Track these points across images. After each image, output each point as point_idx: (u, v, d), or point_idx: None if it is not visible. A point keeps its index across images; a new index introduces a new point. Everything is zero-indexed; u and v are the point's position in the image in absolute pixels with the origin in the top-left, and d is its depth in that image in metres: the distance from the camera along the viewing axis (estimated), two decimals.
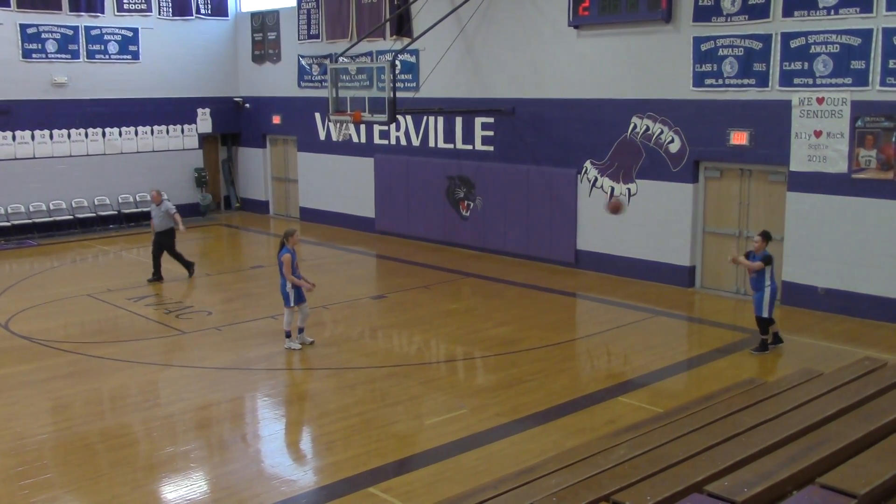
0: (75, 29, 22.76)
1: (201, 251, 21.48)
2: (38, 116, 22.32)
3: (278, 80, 24.43)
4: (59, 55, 22.59)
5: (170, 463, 8.84)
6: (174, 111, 24.64)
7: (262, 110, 25.20)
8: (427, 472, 8.48)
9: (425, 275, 17.41)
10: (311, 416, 10.18)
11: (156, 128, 24.37)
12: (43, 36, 22.30)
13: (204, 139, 25.50)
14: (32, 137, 22.32)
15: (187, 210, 24.57)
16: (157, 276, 16.75)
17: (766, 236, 12.00)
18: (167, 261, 16.88)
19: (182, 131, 24.90)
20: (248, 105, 25.62)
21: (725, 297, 15.27)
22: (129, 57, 23.70)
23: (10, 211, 21.94)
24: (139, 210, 23.83)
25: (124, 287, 16.31)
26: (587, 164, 17.08)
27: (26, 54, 22.08)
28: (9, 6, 21.63)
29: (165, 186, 24.24)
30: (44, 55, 22.37)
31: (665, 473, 5.56)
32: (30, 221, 22.16)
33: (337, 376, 11.36)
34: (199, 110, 25.18)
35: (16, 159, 22.04)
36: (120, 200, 23.72)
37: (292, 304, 12.35)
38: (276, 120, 24.74)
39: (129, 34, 23.64)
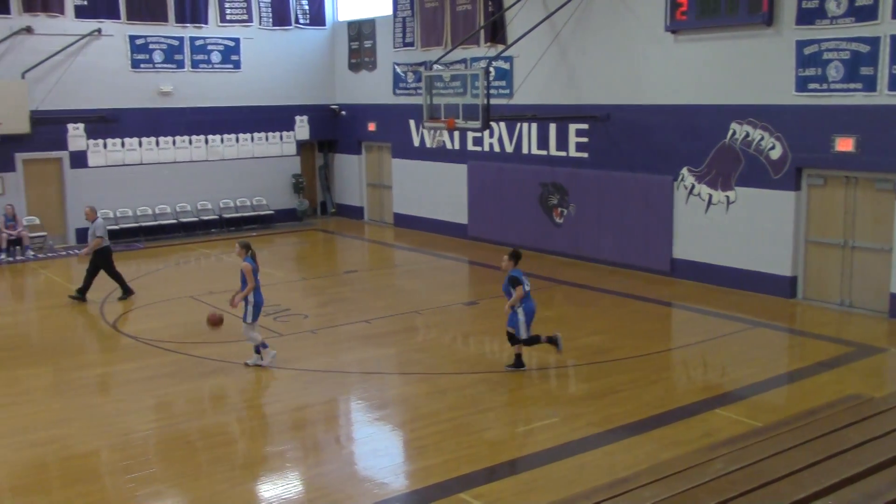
0: (181, 40, 23.59)
1: (297, 256, 21.95)
2: (145, 124, 23.21)
3: (374, 88, 24.80)
4: (165, 65, 23.45)
5: (266, 462, 9.06)
6: (273, 118, 25.28)
7: (357, 117, 25.61)
8: (518, 480, 8.46)
9: None
10: (402, 421, 10.28)
11: (255, 135, 25.04)
12: (150, 47, 23.19)
13: (301, 146, 26.07)
14: (140, 144, 23.23)
15: (285, 215, 25.21)
16: (82, 295, 16.02)
17: (513, 256, 11.55)
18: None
19: (280, 138, 25.52)
20: (344, 112, 26.07)
21: (829, 309, 14.76)
22: (230, 66, 24.43)
23: (118, 215, 22.87)
24: (239, 215, 24.54)
25: (224, 290, 16.75)
26: (684, 171, 16.77)
27: (135, 64, 23.00)
28: (119, 18, 22.57)
29: (264, 192, 24.98)
30: (151, 65, 23.25)
31: (764, 490, 5.41)
32: (137, 225, 23.05)
33: (429, 381, 11.44)
34: (297, 118, 25.76)
35: (124, 165, 22.97)
36: (221, 205, 24.44)
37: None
38: (372, 127, 25.10)
39: (231, 44, 24.36)
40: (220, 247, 22.05)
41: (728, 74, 15.84)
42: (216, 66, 24.21)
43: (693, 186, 16.63)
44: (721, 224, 16.05)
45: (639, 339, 13.16)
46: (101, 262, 16.09)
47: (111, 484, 8.61)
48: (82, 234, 22.25)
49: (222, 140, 24.52)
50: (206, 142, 24.26)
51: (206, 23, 23.82)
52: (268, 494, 8.34)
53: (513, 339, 11.60)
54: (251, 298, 11.86)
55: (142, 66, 23.10)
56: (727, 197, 16.05)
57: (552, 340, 11.78)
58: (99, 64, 22.34)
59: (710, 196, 16.34)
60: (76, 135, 22.27)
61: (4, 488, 8.52)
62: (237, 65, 24.53)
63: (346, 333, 13.74)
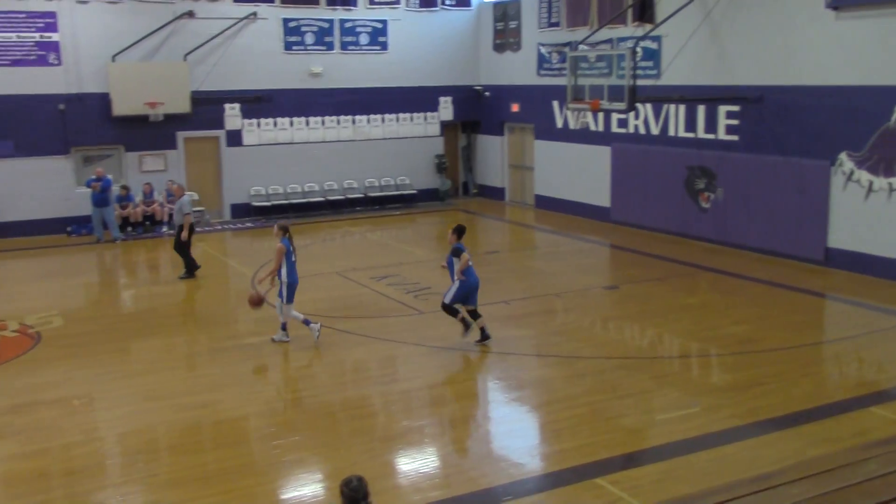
0: (331, 22, 24.21)
1: (438, 235, 22.21)
2: (296, 104, 24.01)
3: (518, 69, 24.72)
4: (315, 47, 24.14)
5: (404, 436, 9.26)
6: (418, 99, 25.62)
7: (501, 98, 25.61)
8: (656, 468, 8.32)
9: (660, 267, 17.01)
10: (539, 403, 10.28)
11: (400, 115, 25.46)
12: (302, 29, 23.91)
13: (445, 126, 26.32)
14: (291, 124, 24.06)
15: (427, 195, 25.55)
16: (190, 273, 16.74)
17: (457, 230, 12.03)
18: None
19: (425, 119, 25.86)
20: (488, 93, 26.12)
21: None
22: (378, 48, 24.90)
23: (269, 192, 23.80)
24: (383, 194, 25.06)
25: (368, 266, 17.21)
26: (842, 155, 15.91)
27: (287, 46, 23.78)
28: (273, 2, 23.38)
29: (407, 171, 25.38)
30: (302, 47, 23.99)
31: None
32: (286, 202, 23.93)
33: (566, 364, 11.38)
34: (441, 98, 26.01)
35: (276, 144, 23.86)
36: (366, 184, 25.03)
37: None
38: (515, 108, 25.06)
39: (379, 26, 24.81)
40: (364, 225, 22.60)
41: (894, 53, 14.89)
42: (364, 47, 24.73)
43: (852, 172, 15.76)
44: (882, 212, 15.15)
45: (787, 331, 12.64)
46: (178, 235, 16.61)
47: (258, 449, 9.03)
48: (237, 210, 23.33)
49: (368, 120, 25.07)
50: (353, 122, 24.87)
51: (355, 5, 24.34)
52: (405, 468, 8.53)
53: (473, 314, 12.02)
54: (285, 278, 11.99)
55: (294, 48, 23.87)
56: (889, 184, 15.14)
57: (465, 323, 11.97)
58: (254, 46, 23.25)
59: (871, 182, 15.45)
60: (232, 114, 23.29)
61: (163, 446, 9.09)
62: (384, 46, 24.97)
63: (485, 313, 13.77)
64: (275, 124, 23.84)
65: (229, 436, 9.34)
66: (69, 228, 21.31)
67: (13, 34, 20.63)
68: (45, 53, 21.01)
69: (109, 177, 20.74)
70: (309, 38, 24.02)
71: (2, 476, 8.45)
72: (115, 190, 21.08)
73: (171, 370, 11.46)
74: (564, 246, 19.63)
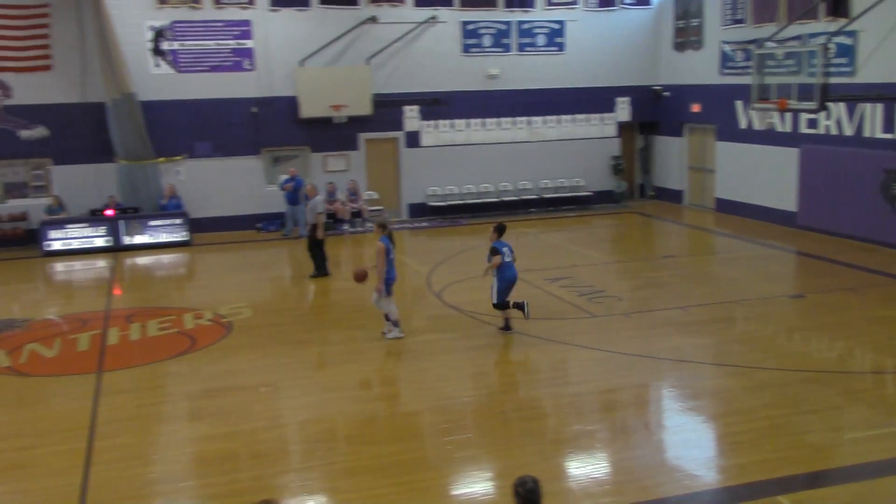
0: (508, 24, 24.35)
1: (613, 238, 21.91)
2: (472, 106, 24.31)
3: (699, 68, 23.96)
4: (493, 49, 24.35)
5: (575, 440, 9.18)
6: (594, 100, 25.33)
7: (680, 98, 24.90)
8: (844, 490, 7.85)
9: (852, 276, 16.02)
10: (716, 413, 9.91)
11: (577, 116, 25.26)
12: (480, 31, 24.18)
13: (622, 127, 25.88)
14: (467, 125, 24.39)
15: (602, 197, 25.22)
16: (320, 272, 17.18)
17: (497, 229, 12.59)
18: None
19: (601, 120, 25.53)
20: (667, 93, 25.47)
21: None
22: (554, 48, 24.82)
23: (445, 192, 24.22)
24: (558, 195, 24.96)
25: (542, 268, 17.18)
26: None
27: (465, 49, 24.12)
28: (452, 5, 23.77)
29: (582, 173, 25.15)
30: (480, 49, 24.26)
31: None
32: (462, 202, 24.28)
33: (746, 375, 10.92)
34: (619, 99, 25.60)
35: (453, 145, 24.27)
36: (541, 185, 25.00)
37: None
38: (696, 108, 24.29)
39: (557, 27, 24.72)
40: (538, 226, 22.59)
41: None
42: (541, 48, 24.71)
43: None
44: None
45: None
46: (312, 235, 17.10)
47: (431, 444, 9.21)
48: (414, 210, 23.89)
49: (544, 121, 25.03)
50: (529, 123, 24.91)
51: (532, 7, 24.37)
52: (576, 472, 8.46)
53: (499, 308, 12.63)
54: (384, 274, 12.32)
55: (471, 50, 24.18)
56: None
57: (518, 306, 12.53)
58: (433, 49, 23.73)
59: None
60: (411, 116, 23.88)
61: (341, 436, 9.44)
62: (561, 47, 24.85)
63: (661, 319, 13.49)
64: (451, 126, 24.24)
65: (404, 429, 9.59)
66: (259, 225, 22.54)
67: (212, 42, 22.04)
68: (241, 59, 22.31)
69: (300, 176, 21.78)
70: (486, 41, 24.26)
71: (195, 455, 9.05)
72: (306, 189, 22.08)
73: (349, 363, 11.88)
74: (746, 251, 18.85)
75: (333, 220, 22.55)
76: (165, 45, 21.77)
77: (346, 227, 22.57)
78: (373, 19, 23.04)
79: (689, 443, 9.11)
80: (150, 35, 21.65)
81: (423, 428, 9.67)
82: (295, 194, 21.21)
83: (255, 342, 12.87)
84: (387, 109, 23.44)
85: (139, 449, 9.22)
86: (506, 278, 12.48)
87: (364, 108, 22.94)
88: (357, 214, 22.91)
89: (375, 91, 23.09)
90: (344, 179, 23.12)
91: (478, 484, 8.34)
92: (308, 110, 22.51)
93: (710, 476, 8.32)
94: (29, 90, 21.07)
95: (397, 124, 23.81)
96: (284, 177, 21.60)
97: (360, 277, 13.01)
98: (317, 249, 17.18)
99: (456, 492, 8.25)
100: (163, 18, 21.65)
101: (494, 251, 12.49)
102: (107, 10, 20.61)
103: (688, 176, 25.34)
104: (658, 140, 26.34)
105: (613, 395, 10.48)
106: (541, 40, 24.69)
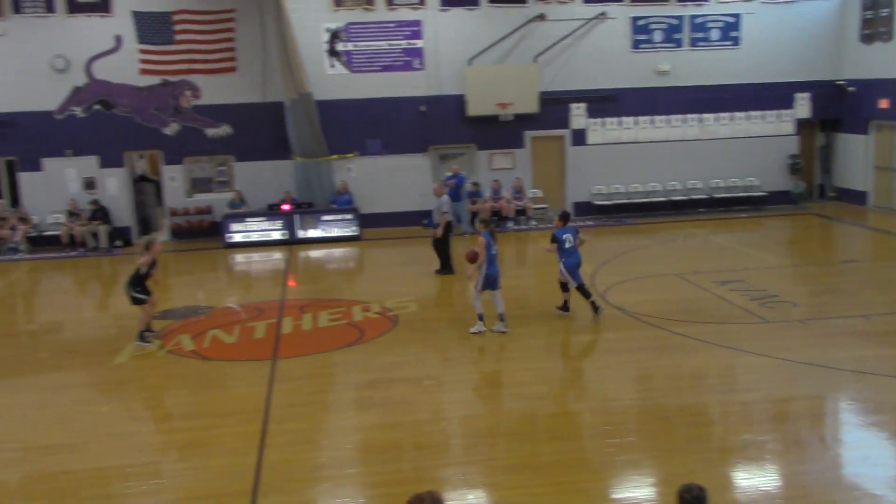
0: (680, 18, 23.69)
1: (789, 240, 20.93)
2: (641, 103, 23.82)
3: (889, 61, 22.44)
4: (663, 44, 23.76)
5: (744, 450, 8.83)
6: (771, 96, 24.25)
7: (867, 94, 23.42)
8: None
9: None
10: None
11: (751, 113, 24.27)
12: (651, 27, 23.64)
13: (801, 124, 24.64)
14: (635, 123, 23.92)
15: (778, 197, 24.12)
16: (445, 270, 17.32)
17: (562, 216, 13.56)
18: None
19: (777, 116, 24.41)
20: (852, 88, 24.02)
21: None
22: (729, 43, 23.93)
23: (611, 191, 23.87)
24: (729, 195, 24.09)
25: (711, 270, 16.63)
26: None
27: (635, 45, 23.66)
28: (622, 1, 23.36)
29: (757, 172, 24.15)
30: (650, 45, 23.73)
31: None
32: (627, 201, 23.85)
33: None
34: (798, 95, 24.38)
35: (620, 143, 23.87)
36: (711, 185, 24.20)
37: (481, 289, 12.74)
38: (884, 104, 22.77)
39: (732, 20, 23.82)
40: (708, 227, 21.88)
41: None
42: (714, 43, 23.89)
43: None
44: None
45: None
46: (444, 235, 17.23)
47: (591, 445, 9.11)
48: (579, 208, 23.68)
49: (716, 118, 24.20)
50: (700, 120, 24.15)
51: (706, 0, 23.60)
52: (744, 483, 8.14)
53: (562, 286, 13.59)
54: (483, 269, 12.58)
55: (641, 46, 23.69)
56: None
57: (589, 299, 13.42)
58: (602, 46, 23.42)
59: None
60: (578, 114, 23.67)
61: (501, 432, 9.50)
62: (736, 41, 23.93)
63: (840, 327, 12.76)
64: (619, 123, 23.85)
65: (564, 429, 9.54)
66: (425, 221, 22.97)
67: (384, 42, 22.67)
68: (411, 59, 22.82)
69: (463, 174, 22.06)
70: (657, 36, 23.70)
71: (361, 443, 9.35)
72: (467, 186, 22.37)
73: (511, 360, 11.94)
74: None
75: (498, 217, 22.69)
76: (340, 47, 22.58)
77: (510, 224, 22.67)
78: (541, 17, 23.00)
79: (870, 460, 8.57)
80: (326, 37, 22.52)
81: (584, 428, 9.58)
82: (456, 191, 21.49)
83: (420, 336, 13.14)
84: (553, 107, 23.35)
85: (309, 434, 9.63)
86: (570, 263, 13.36)
87: (531, 106, 22.94)
88: (522, 212, 22.96)
89: (542, 89, 23.04)
90: (509, 177, 23.22)
91: (639, 489, 8.17)
92: (475, 108, 22.74)
93: (892, 497, 7.80)
94: (215, 91, 22.40)
95: (563, 122, 23.67)
96: (448, 174, 21.95)
97: (472, 258, 12.99)
98: (442, 247, 17.41)
99: (617, 495, 8.13)
100: (338, 20, 22.47)
101: (554, 239, 13.39)
102: (287, 13, 21.59)
103: (873, 176, 23.80)
104: (840, 138, 24.88)
105: (786, 406, 10.01)
106: (714, 34, 23.86)
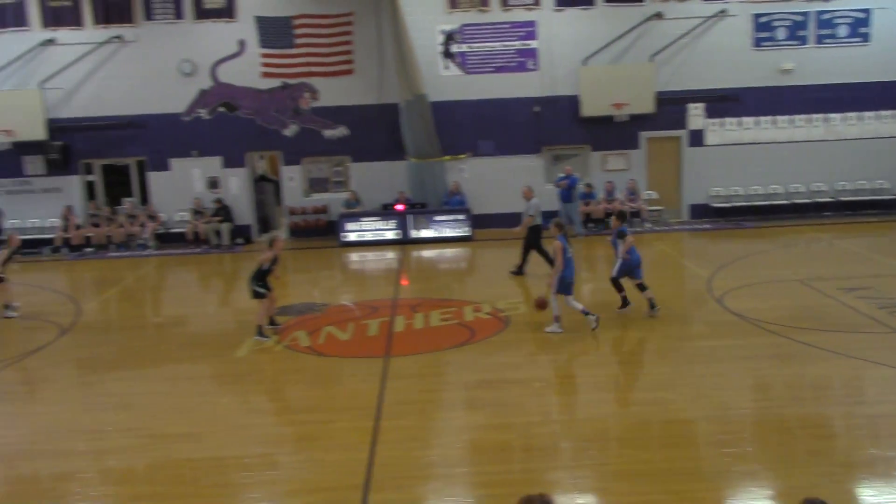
0: (806, 14, 22.85)
1: None
2: (763, 103, 23.09)
3: None
4: (787, 42, 22.96)
5: (871, 465, 8.43)
6: None
7: None
8: None
9: None
10: None
11: (882, 113, 23.17)
12: (774, 24, 22.88)
13: None
14: (756, 123, 23.19)
15: None
16: (519, 271, 17.43)
17: (620, 216, 14.16)
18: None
19: None
20: None
21: None
22: (858, 40, 22.94)
23: (729, 193, 23.22)
24: (856, 198, 23.10)
25: (836, 276, 15.98)
26: None
27: (756, 43, 22.95)
28: None
29: (888, 174, 23.08)
30: (773, 43, 22.95)
31: None
32: (747, 204, 23.15)
33: None
34: None
35: (740, 144, 23.19)
36: (837, 187, 23.24)
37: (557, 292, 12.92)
38: None
39: (861, 16, 22.83)
40: (833, 231, 21.02)
41: None
42: (842, 40, 22.94)
43: None
44: None
45: None
46: (532, 239, 17.30)
47: (706, 454, 8.87)
48: (696, 211, 23.14)
49: (843, 118, 23.22)
50: (825, 120, 23.22)
51: None
52: (871, 500, 7.77)
53: (640, 287, 13.93)
54: (558, 272, 12.79)
55: (763, 44, 22.96)
56: None
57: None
58: (721, 44, 22.81)
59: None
60: (695, 114, 23.12)
61: (612, 437, 9.36)
62: (865, 38, 22.91)
63: None
64: (739, 123, 23.18)
65: (678, 436, 9.32)
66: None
67: (498, 43, 22.70)
68: (525, 60, 22.78)
69: (576, 175, 21.87)
70: (780, 33, 22.93)
71: (471, 443, 9.38)
72: (580, 187, 22.16)
73: (623, 364, 11.76)
74: None
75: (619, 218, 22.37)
76: (455, 48, 22.73)
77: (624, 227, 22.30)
78: (658, 15, 22.57)
79: None
80: (440, 38, 22.71)
81: (699, 436, 9.33)
82: (569, 192, 21.33)
83: (532, 337, 13.09)
84: (670, 107, 22.89)
85: (420, 432, 9.72)
86: (631, 261, 13.86)
87: (646, 106, 22.55)
88: (636, 214, 22.58)
89: (659, 89, 22.61)
90: (623, 179, 22.87)
91: (757, 501, 7.91)
92: (589, 109, 22.52)
93: None
94: (333, 93, 22.92)
95: (680, 122, 23.17)
96: (561, 175, 21.80)
97: (541, 306, 13.45)
98: (531, 249, 17.45)
99: None
100: (453, 22, 22.64)
101: (622, 234, 13.96)
102: (402, 16, 21.90)
103: None
104: None
105: None
106: (842, 31, 22.92)
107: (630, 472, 8.43)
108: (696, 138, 23.21)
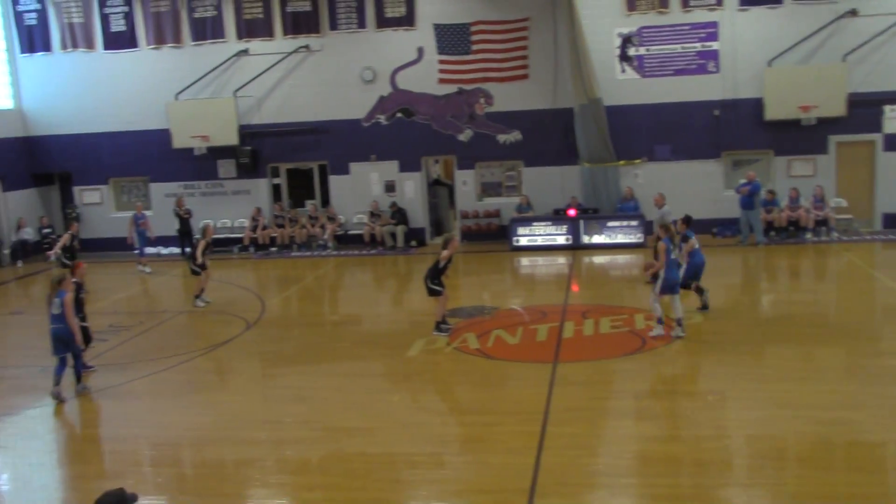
0: None
1: None
2: None
3: None
4: None
5: None
6: None
7: None
8: None
9: None
10: None
11: None
12: None
13: None
14: None
15: None
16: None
17: (686, 220, 14.55)
18: None
19: None
20: None
21: None
22: None
23: None
24: None
25: None
26: None
27: None
28: None
29: None
30: None
31: None
32: None
33: None
34: None
35: None
36: None
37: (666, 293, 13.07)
38: None
39: None
40: None
41: None
42: None
43: None
44: None
45: None
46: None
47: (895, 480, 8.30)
48: (889, 220, 21.64)
49: None
50: None
51: None
52: None
53: (699, 289, 14.55)
54: (662, 273, 12.92)
55: None
56: None
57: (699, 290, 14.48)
58: None
59: None
60: (893, 117, 21.60)
61: (791, 456, 8.90)
62: None
63: None
64: None
65: (864, 460, 8.74)
66: (714, 230, 22.13)
67: (678, 45, 22.11)
68: (705, 62, 22.07)
69: (759, 181, 20.98)
70: None
71: (639, 453, 9.19)
72: (763, 194, 21.24)
73: (804, 380, 11.15)
74: None
75: (795, 227, 21.33)
76: (632, 51, 22.35)
77: (808, 235, 21.21)
78: (852, 13, 21.27)
79: None
80: (617, 42, 22.38)
81: (889, 461, 8.72)
82: (750, 199, 20.48)
83: (705, 348, 12.67)
84: (863, 109, 21.48)
85: (587, 440, 9.62)
86: (699, 262, 14.61)
87: (837, 109, 21.30)
88: (822, 223, 21.38)
89: (851, 90, 21.30)
90: (809, 185, 21.69)
91: None
92: (774, 112, 21.53)
93: None
94: (507, 98, 23.07)
95: (875, 125, 21.70)
96: (742, 181, 20.96)
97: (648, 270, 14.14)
98: None
99: None
100: (631, 25, 22.25)
101: (686, 238, 14.29)
102: (579, 19, 21.75)
103: None
104: None
105: None
106: None
107: (810, 494, 8.00)
108: (893, 142, 21.68)
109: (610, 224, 21.84)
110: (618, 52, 22.44)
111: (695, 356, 12.32)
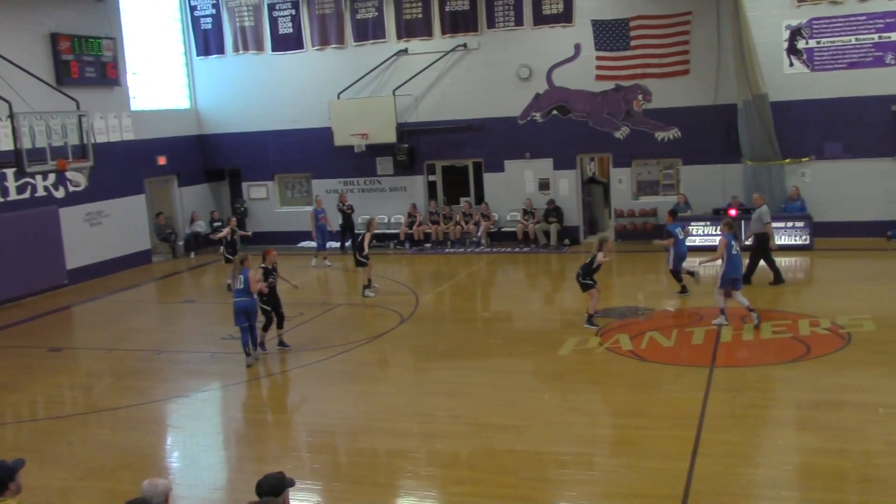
0: None
1: None
2: None
3: None
4: None
5: None
6: None
7: None
8: None
9: None
10: None
11: None
12: None
13: None
14: None
15: None
16: (777, 279, 17.11)
17: (672, 213, 17.02)
18: None
19: None
20: None
21: None
22: None
23: None
24: None
25: None
26: None
27: None
28: None
29: None
30: None
31: None
32: None
33: None
34: None
35: None
36: None
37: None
38: None
39: None
40: None
41: None
42: None
43: None
44: None
45: None
46: (759, 246, 17.06)
47: None
48: None
49: None
50: None
51: None
52: None
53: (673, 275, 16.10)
54: (722, 268, 13.72)
55: None
56: None
57: (690, 273, 16.09)
58: None
59: None
60: None
61: None
62: None
63: None
64: None
65: None
66: (889, 232, 20.79)
67: (851, 37, 20.90)
68: (882, 54, 20.75)
69: None
70: None
71: (800, 466, 8.77)
72: None
73: None
74: None
75: None
76: (801, 44, 21.31)
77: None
78: None
79: None
80: (785, 34, 21.40)
81: None
82: None
83: (877, 358, 11.94)
84: None
85: (744, 448, 9.27)
86: (681, 252, 16.15)
87: None
88: None
89: None
90: None
91: None
92: None
93: None
94: (666, 94, 22.49)
95: None
96: None
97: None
98: (768, 258, 17.07)
99: None
100: (800, 17, 21.20)
101: (668, 233, 16.17)
102: (745, 12, 20.93)
103: None
104: None
105: None
106: None
107: None
108: None
109: (774, 225, 20.85)
110: (785, 45, 21.44)
111: (863, 366, 11.63)
